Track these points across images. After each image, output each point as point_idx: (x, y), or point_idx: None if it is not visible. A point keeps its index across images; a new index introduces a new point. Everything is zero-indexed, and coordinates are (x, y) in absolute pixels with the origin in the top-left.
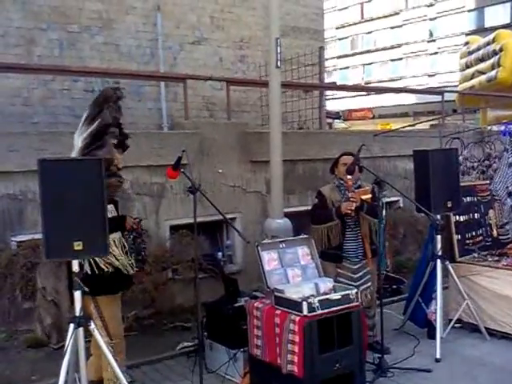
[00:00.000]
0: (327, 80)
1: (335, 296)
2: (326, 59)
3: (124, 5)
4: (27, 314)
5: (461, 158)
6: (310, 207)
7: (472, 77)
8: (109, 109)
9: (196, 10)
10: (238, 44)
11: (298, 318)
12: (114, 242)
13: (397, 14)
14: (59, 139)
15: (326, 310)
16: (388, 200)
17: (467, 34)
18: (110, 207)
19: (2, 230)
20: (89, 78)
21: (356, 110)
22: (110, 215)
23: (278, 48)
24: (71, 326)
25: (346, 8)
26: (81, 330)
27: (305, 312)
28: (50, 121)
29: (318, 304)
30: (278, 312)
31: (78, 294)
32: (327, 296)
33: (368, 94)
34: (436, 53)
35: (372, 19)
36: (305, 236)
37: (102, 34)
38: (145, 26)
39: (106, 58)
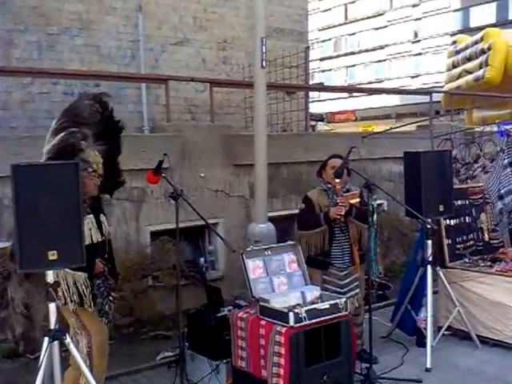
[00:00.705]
0: (310, 83)
1: (323, 305)
2: (310, 61)
3: (104, 5)
4: (4, 323)
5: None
6: (293, 211)
7: (459, 76)
8: (81, 127)
9: (178, 10)
10: (221, 45)
11: (284, 329)
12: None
13: (381, 14)
14: (36, 143)
15: (313, 321)
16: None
17: (452, 35)
18: (89, 221)
19: None
20: (68, 81)
21: (339, 113)
22: (86, 228)
23: (264, 48)
24: (46, 339)
25: (329, 9)
26: (56, 343)
27: (291, 323)
28: (28, 125)
29: (305, 314)
30: (263, 323)
31: (52, 306)
32: (315, 305)
33: (351, 96)
34: (420, 53)
35: (356, 20)
36: (291, 242)
37: (82, 36)
38: (126, 27)
39: (86, 60)
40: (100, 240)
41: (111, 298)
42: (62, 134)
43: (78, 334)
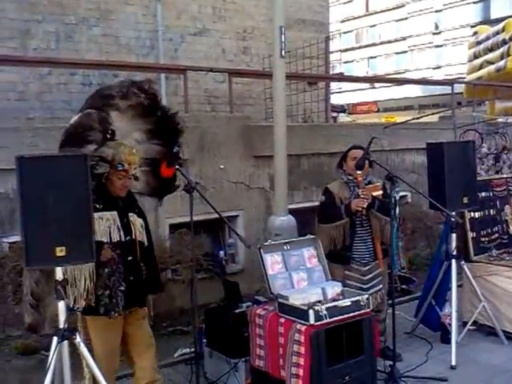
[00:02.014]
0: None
1: (345, 303)
2: (331, 52)
3: None
4: (18, 319)
5: (483, 150)
6: (314, 203)
7: (480, 67)
8: (107, 109)
9: (197, 0)
10: (240, 35)
11: (303, 328)
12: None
13: (402, 6)
14: (51, 134)
15: (334, 319)
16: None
17: (473, 26)
18: (111, 217)
19: None
20: (86, 72)
21: (361, 104)
22: (105, 225)
23: (282, 37)
24: (54, 339)
25: (350, 1)
26: (65, 343)
27: (311, 321)
28: (46, 116)
29: (325, 312)
30: (282, 320)
31: (61, 305)
32: (336, 303)
33: (373, 87)
34: (442, 45)
35: (377, 12)
36: (311, 236)
37: (101, 26)
38: (144, 17)
39: (104, 51)
40: (123, 240)
41: (122, 289)
42: (77, 116)
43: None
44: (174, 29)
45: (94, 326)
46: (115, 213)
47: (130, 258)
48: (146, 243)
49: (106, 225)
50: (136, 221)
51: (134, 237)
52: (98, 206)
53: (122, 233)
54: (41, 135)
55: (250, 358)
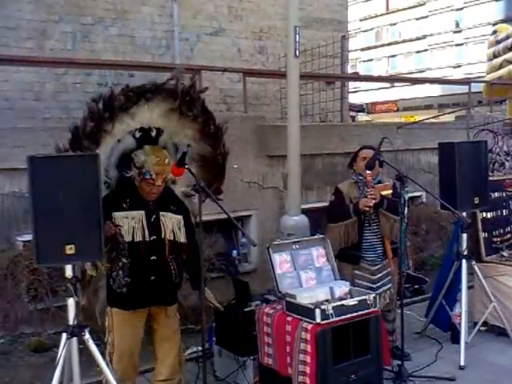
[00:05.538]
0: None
1: (351, 302)
2: (350, 51)
3: None
4: (32, 316)
5: (498, 150)
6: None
7: (500, 67)
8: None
9: (214, 0)
10: (257, 34)
11: (310, 326)
12: None
13: (423, 4)
14: (64, 134)
15: (340, 317)
16: (410, 195)
17: (495, 24)
18: (136, 216)
19: (7, 229)
20: (102, 71)
21: (380, 103)
22: (128, 224)
23: (297, 37)
24: (63, 335)
25: (370, 0)
26: (74, 340)
27: (318, 320)
28: (62, 116)
29: (332, 311)
30: (289, 319)
31: (71, 301)
32: (342, 302)
33: (392, 86)
34: (462, 44)
35: (397, 10)
36: (320, 236)
37: (117, 26)
38: (161, 17)
39: (120, 51)
40: (147, 239)
41: (121, 264)
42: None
43: (108, 334)
44: (190, 29)
45: (116, 319)
46: (142, 212)
47: (153, 258)
48: (183, 240)
49: (130, 224)
50: (168, 220)
51: (162, 236)
52: (124, 205)
53: (146, 232)
54: (56, 135)
55: (258, 356)
